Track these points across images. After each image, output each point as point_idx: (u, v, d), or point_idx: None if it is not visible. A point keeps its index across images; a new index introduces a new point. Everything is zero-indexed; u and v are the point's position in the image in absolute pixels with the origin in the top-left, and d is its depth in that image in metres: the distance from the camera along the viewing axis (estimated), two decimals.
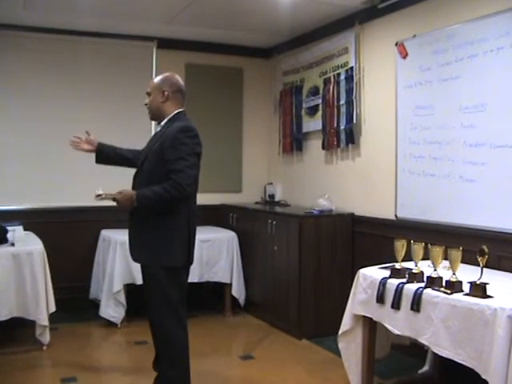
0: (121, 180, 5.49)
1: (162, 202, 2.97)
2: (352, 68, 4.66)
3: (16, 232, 4.28)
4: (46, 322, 4.01)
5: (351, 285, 3.29)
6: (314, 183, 5.24)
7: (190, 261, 3.17)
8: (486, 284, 2.55)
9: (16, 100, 5.11)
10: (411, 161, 4.02)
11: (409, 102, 4.05)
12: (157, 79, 3.19)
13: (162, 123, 3.15)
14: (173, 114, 3.13)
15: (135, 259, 3.18)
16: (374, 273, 3.16)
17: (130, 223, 3.17)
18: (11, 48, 5.07)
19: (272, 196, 5.79)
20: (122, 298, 4.68)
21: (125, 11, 4.67)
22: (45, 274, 4.04)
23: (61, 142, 5.24)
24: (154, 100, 3.13)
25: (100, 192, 3.08)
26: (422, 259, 2.95)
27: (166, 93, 3.10)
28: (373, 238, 4.37)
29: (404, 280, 2.92)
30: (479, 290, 2.54)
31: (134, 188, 3.14)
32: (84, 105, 5.31)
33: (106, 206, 5.21)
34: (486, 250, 2.63)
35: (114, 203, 3.08)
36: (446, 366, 3.32)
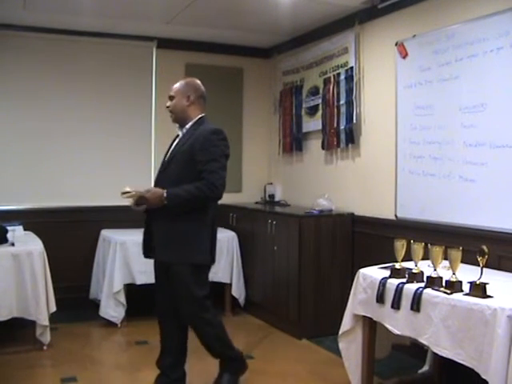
0: (121, 180, 5.52)
1: (194, 201, 3.08)
2: (352, 68, 4.66)
3: (16, 232, 4.29)
4: (46, 322, 4.01)
5: (351, 285, 3.29)
6: (313, 183, 5.24)
7: (213, 259, 3.28)
8: (485, 284, 2.55)
9: (16, 100, 5.11)
10: (411, 161, 4.02)
11: (409, 102, 4.05)
12: (180, 84, 3.31)
13: (187, 126, 3.27)
14: (197, 117, 3.27)
15: (159, 257, 3.23)
16: (373, 273, 3.16)
17: (153, 222, 3.21)
18: (11, 48, 5.07)
19: (272, 196, 5.79)
20: (122, 297, 4.67)
21: (125, 11, 4.67)
22: (45, 273, 4.03)
23: (61, 142, 5.28)
24: (178, 103, 3.26)
25: (127, 189, 3.10)
26: (422, 259, 2.95)
27: (191, 97, 3.25)
28: (373, 238, 4.37)
29: (404, 280, 2.92)
30: (479, 289, 2.54)
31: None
32: (84, 105, 5.32)
33: (106, 206, 5.32)
34: (486, 250, 2.63)
35: (128, 203, 3.13)
36: (446, 365, 3.33)
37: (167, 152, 3.37)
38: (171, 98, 3.31)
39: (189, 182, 3.08)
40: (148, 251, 3.30)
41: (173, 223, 3.12)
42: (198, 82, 3.36)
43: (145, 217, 3.27)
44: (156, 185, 3.25)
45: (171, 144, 3.39)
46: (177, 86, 3.31)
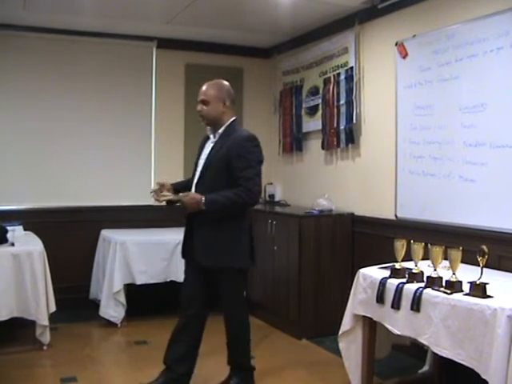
0: (121, 180, 5.53)
1: (232, 207, 3.16)
2: (352, 68, 4.66)
3: (16, 232, 4.29)
4: (46, 322, 4.01)
5: (351, 285, 3.29)
6: (313, 183, 5.24)
7: (254, 262, 3.41)
8: (485, 284, 2.55)
9: (16, 100, 5.11)
10: (411, 161, 4.02)
11: (409, 101, 4.05)
12: (214, 88, 3.30)
13: (220, 131, 3.30)
14: (229, 122, 3.31)
15: (203, 262, 3.27)
16: (373, 273, 3.16)
17: (194, 228, 3.28)
18: (11, 48, 5.07)
19: (272, 196, 5.79)
20: (122, 297, 4.67)
21: (125, 11, 4.67)
22: (45, 273, 4.03)
23: (61, 142, 5.28)
24: (214, 109, 3.27)
25: (166, 193, 3.21)
26: (422, 259, 2.95)
27: (226, 103, 3.29)
28: (373, 238, 4.37)
29: (404, 280, 2.92)
30: (479, 289, 2.54)
31: None
32: (84, 105, 5.32)
33: (106, 206, 5.32)
34: (486, 250, 2.63)
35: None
36: (446, 366, 3.32)
37: (198, 157, 3.40)
38: (204, 102, 3.29)
39: (225, 188, 3.16)
40: (187, 253, 3.38)
41: (215, 231, 3.21)
42: (229, 84, 3.38)
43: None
44: (195, 191, 3.30)
45: (201, 147, 3.42)
46: (210, 90, 3.29)
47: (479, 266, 2.62)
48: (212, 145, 3.33)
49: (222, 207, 3.14)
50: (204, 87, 3.32)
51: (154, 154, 5.54)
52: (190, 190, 3.35)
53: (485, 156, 3.43)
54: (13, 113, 5.10)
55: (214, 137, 3.34)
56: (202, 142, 3.46)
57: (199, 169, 3.33)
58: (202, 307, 3.37)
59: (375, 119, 4.48)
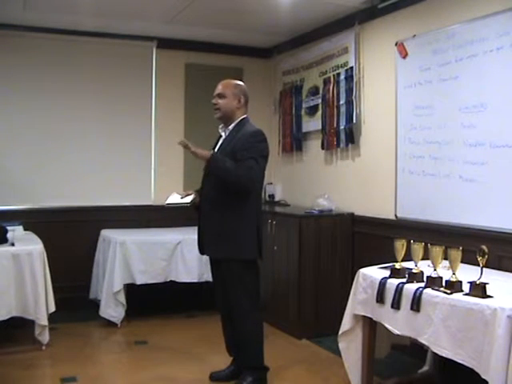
0: (121, 180, 5.52)
1: (229, 177, 3.23)
2: (352, 68, 4.66)
3: (16, 232, 4.29)
4: (45, 322, 4.01)
5: (351, 285, 3.29)
6: (313, 183, 5.24)
7: (261, 254, 3.45)
8: (485, 284, 2.55)
9: (15, 100, 5.11)
10: (411, 161, 4.02)
11: (409, 101, 4.05)
12: (232, 85, 3.44)
13: (230, 127, 3.42)
14: (240, 119, 3.43)
15: (209, 254, 3.42)
16: (373, 273, 3.16)
17: (202, 221, 3.41)
18: (11, 48, 5.07)
19: (272, 196, 5.79)
20: (122, 297, 4.67)
21: (125, 11, 4.67)
22: (45, 273, 4.03)
23: (61, 142, 5.28)
24: (229, 104, 3.39)
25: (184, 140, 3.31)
26: (422, 259, 2.95)
27: (241, 101, 3.42)
28: (373, 238, 4.37)
29: (404, 280, 2.92)
30: (479, 289, 2.54)
31: (204, 191, 3.40)
32: (84, 105, 5.32)
33: (106, 206, 5.32)
34: (486, 250, 2.63)
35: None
36: (445, 365, 3.32)
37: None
38: (221, 96, 3.40)
39: None
40: (202, 248, 3.48)
41: (220, 220, 3.29)
42: (245, 86, 3.51)
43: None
44: (202, 186, 3.43)
45: (214, 146, 3.50)
46: (228, 86, 3.43)
47: (479, 265, 2.62)
48: (221, 141, 3.45)
49: (222, 166, 3.22)
50: (221, 83, 3.46)
51: (153, 153, 5.54)
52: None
53: (485, 156, 3.43)
54: (12, 113, 5.10)
55: (225, 133, 3.44)
56: (217, 140, 3.55)
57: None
58: (225, 299, 3.43)
59: (375, 119, 4.48)
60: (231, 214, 3.29)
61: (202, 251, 3.50)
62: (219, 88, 3.43)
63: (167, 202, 3.45)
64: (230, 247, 3.30)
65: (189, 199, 3.42)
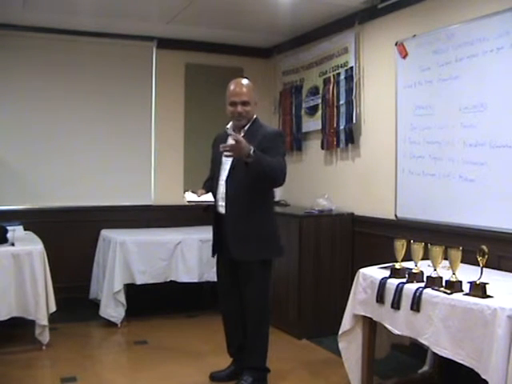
0: (121, 180, 5.53)
1: (270, 172, 3.17)
2: (352, 68, 4.66)
3: (16, 232, 4.28)
4: (45, 322, 4.01)
5: (351, 285, 3.29)
6: (313, 183, 5.24)
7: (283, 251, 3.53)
8: (485, 284, 2.55)
9: (15, 100, 5.11)
10: (411, 161, 4.02)
11: (409, 101, 4.05)
12: (250, 89, 3.37)
13: (246, 127, 3.36)
14: (254, 118, 3.41)
15: (237, 257, 3.33)
16: (373, 273, 3.16)
17: (225, 223, 3.33)
18: (11, 48, 5.07)
19: None
20: (122, 297, 4.67)
21: (125, 11, 4.67)
22: (45, 273, 4.03)
23: (61, 142, 5.28)
24: (252, 110, 3.38)
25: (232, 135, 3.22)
26: (422, 259, 2.95)
27: (257, 103, 3.43)
28: (373, 238, 4.37)
29: (404, 280, 2.92)
30: (479, 289, 2.54)
31: (228, 192, 3.31)
32: (84, 105, 5.32)
33: (106, 205, 5.32)
34: (486, 250, 2.63)
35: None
36: (446, 365, 3.32)
37: (217, 155, 3.37)
38: (246, 103, 3.33)
39: (257, 183, 3.24)
40: (218, 250, 3.47)
41: (249, 221, 3.29)
42: None
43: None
44: (226, 187, 3.32)
45: (218, 146, 3.33)
46: (250, 91, 3.36)
47: (479, 265, 2.62)
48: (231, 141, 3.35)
49: (264, 162, 3.10)
50: (241, 88, 3.35)
51: (153, 153, 5.54)
52: (214, 190, 3.41)
53: (485, 156, 3.43)
54: (12, 112, 5.10)
55: (239, 133, 3.33)
56: (218, 140, 3.45)
57: (226, 166, 3.34)
58: (236, 301, 3.44)
59: (375, 119, 4.48)
60: (258, 215, 3.32)
61: (219, 253, 3.47)
62: (241, 93, 3.32)
63: (188, 199, 3.37)
64: (259, 248, 3.31)
65: (206, 198, 3.37)
